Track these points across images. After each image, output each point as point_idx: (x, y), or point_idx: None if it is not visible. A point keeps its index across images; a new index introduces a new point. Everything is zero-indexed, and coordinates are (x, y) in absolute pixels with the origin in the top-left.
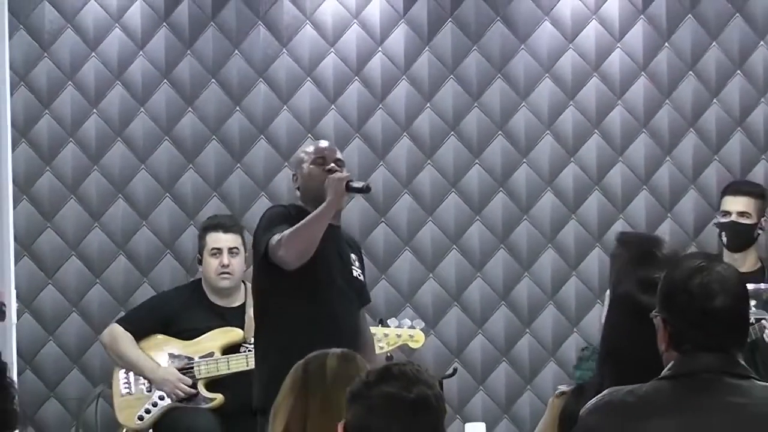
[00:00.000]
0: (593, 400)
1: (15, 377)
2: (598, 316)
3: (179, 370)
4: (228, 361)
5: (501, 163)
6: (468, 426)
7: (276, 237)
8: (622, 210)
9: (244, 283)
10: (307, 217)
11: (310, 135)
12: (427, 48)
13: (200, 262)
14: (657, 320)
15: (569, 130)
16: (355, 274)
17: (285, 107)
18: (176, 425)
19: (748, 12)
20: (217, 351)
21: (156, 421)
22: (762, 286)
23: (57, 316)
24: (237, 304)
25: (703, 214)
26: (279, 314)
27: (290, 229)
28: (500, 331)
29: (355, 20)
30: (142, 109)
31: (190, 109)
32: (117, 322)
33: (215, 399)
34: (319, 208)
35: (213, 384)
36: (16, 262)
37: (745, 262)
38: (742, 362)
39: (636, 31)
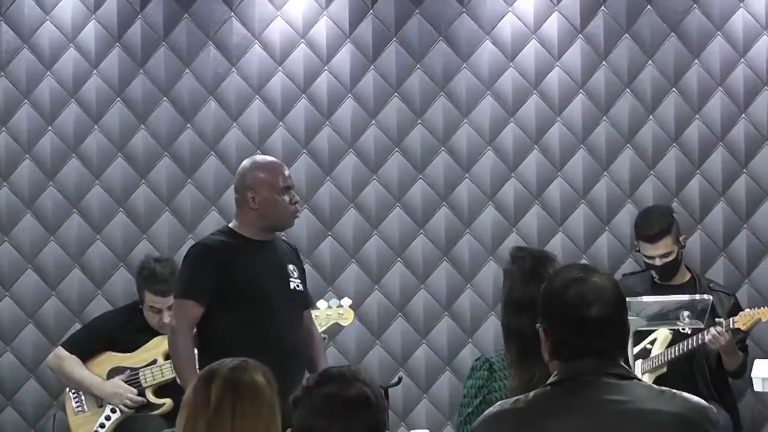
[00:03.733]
0: (486, 412)
1: None
2: None
3: (126, 381)
4: (171, 366)
5: (444, 178)
6: None
7: (175, 327)
8: (561, 223)
9: None
10: (181, 370)
11: (258, 151)
12: (372, 67)
13: (141, 301)
14: (540, 330)
15: (510, 146)
16: (293, 286)
17: (234, 124)
18: None
19: (683, 31)
20: (159, 357)
21: None
22: (696, 297)
23: (14, 327)
24: None
25: None
26: (219, 339)
27: (177, 350)
28: (443, 340)
29: (302, 40)
30: (96, 127)
31: (142, 126)
32: (62, 345)
33: (164, 404)
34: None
35: (161, 390)
36: None
37: (676, 278)
38: (623, 364)
39: (574, 50)
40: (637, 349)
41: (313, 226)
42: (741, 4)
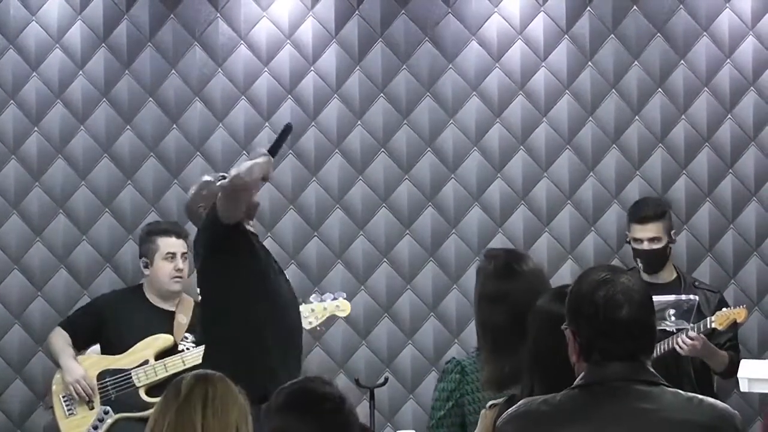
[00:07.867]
0: (509, 410)
1: None
2: None
3: (118, 381)
4: (165, 365)
5: (430, 178)
6: None
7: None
8: (547, 223)
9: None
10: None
11: (244, 152)
12: (357, 67)
13: (146, 266)
14: (567, 332)
15: (496, 146)
16: (287, 276)
17: (220, 125)
18: None
19: (669, 32)
20: (150, 358)
21: None
22: (683, 297)
23: (0, 328)
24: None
25: (625, 228)
26: (230, 314)
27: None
28: (429, 341)
29: (288, 41)
30: (82, 127)
31: (128, 127)
32: (59, 324)
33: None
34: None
35: (154, 390)
36: None
37: (662, 276)
38: (651, 369)
39: (560, 50)
40: None
41: (299, 226)
42: (727, 5)
